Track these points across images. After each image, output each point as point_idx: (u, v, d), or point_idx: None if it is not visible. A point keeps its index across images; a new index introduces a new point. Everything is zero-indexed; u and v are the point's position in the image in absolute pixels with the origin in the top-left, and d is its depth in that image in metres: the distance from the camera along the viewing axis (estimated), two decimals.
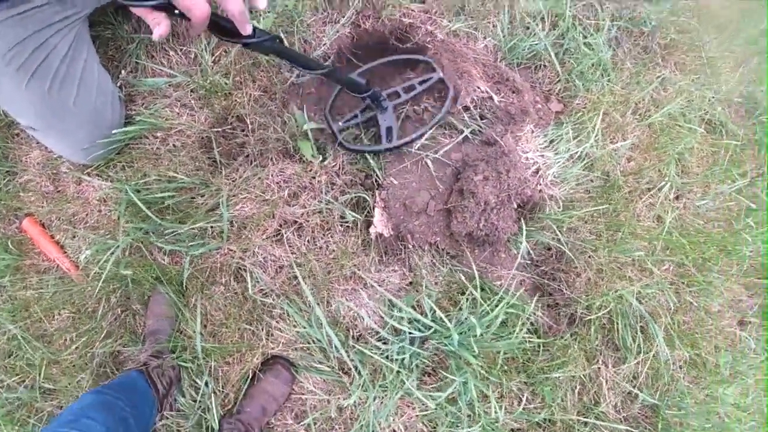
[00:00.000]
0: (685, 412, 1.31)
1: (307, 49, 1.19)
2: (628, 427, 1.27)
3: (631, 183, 1.35)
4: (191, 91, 1.18)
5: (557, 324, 1.26)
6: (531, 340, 1.21)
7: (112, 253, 1.12)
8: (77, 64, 1.00)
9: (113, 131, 1.10)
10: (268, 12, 1.14)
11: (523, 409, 1.20)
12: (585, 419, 1.24)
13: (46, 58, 0.93)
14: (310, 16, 1.18)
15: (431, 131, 1.10)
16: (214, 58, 1.17)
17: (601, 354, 1.29)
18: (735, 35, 1.78)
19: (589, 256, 1.26)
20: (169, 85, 1.20)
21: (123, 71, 1.20)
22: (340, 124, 1.10)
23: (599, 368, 1.29)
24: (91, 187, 1.21)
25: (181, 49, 1.20)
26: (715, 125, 1.59)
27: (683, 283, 1.38)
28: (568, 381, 1.25)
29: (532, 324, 1.22)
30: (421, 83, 1.10)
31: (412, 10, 1.21)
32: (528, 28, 1.28)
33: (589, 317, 1.22)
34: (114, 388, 0.91)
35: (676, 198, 1.45)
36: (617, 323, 1.26)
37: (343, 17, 1.18)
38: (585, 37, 1.33)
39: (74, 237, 1.21)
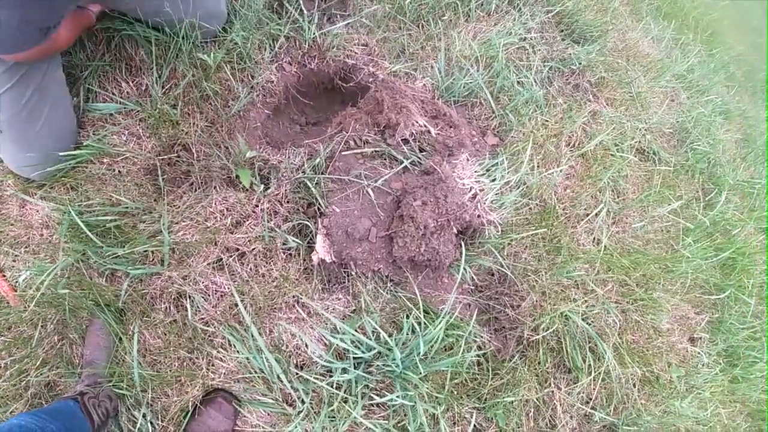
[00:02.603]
0: (644, 428, 1.32)
1: (254, 86, 1.26)
2: None
3: (569, 209, 1.43)
4: (140, 120, 1.22)
5: (505, 347, 1.28)
6: (479, 362, 1.23)
7: (49, 274, 1.10)
8: (55, 80, 1.08)
9: (60, 153, 1.13)
10: (219, 48, 1.22)
11: None
12: None
13: (26, 72, 1.00)
14: (258, 54, 1.26)
15: None
16: (164, 90, 1.22)
17: (552, 377, 1.31)
18: (662, 72, 1.95)
19: (533, 280, 1.30)
20: (119, 113, 1.23)
21: (75, 98, 1.23)
22: None
23: (552, 391, 1.30)
24: (34, 210, 1.21)
25: (133, 80, 1.25)
26: (647, 153, 1.71)
27: (627, 301, 1.43)
28: (521, 405, 1.25)
29: (479, 348, 1.24)
30: None
31: (356, 52, 1.31)
32: (463, 68, 1.39)
33: (535, 338, 1.25)
34: (49, 413, 0.88)
35: (614, 223, 1.53)
36: (565, 344, 1.29)
37: (290, 57, 1.26)
38: (518, 77, 1.45)
39: (15, 260, 1.18)
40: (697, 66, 2.30)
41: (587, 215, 1.43)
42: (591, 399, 1.32)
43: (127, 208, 1.17)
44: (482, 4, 1.54)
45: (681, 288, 1.58)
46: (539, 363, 1.28)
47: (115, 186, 1.18)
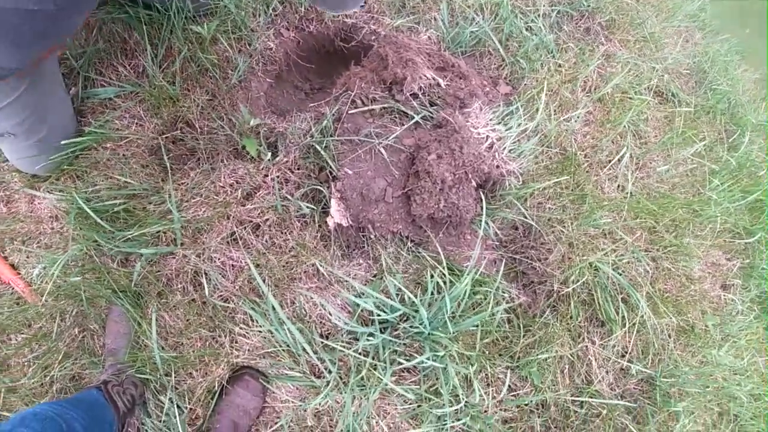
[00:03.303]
0: (681, 380, 1.27)
1: (252, 53, 1.21)
2: (627, 403, 1.23)
3: (590, 156, 1.37)
4: (140, 101, 1.19)
5: (535, 302, 1.23)
6: (509, 320, 1.19)
7: (59, 264, 1.09)
8: (57, 81, 1.04)
9: (62, 142, 1.10)
10: (212, 18, 1.18)
11: (513, 395, 1.16)
12: (580, 399, 1.20)
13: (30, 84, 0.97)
14: (253, 21, 1.21)
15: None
16: (161, 68, 1.19)
17: (586, 331, 1.27)
18: (674, 12, 1.86)
19: (558, 231, 1.25)
20: (118, 97, 1.20)
21: (73, 88, 1.21)
22: None
23: (587, 346, 1.26)
24: (42, 204, 1.20)
25: (129, 63, 1.22)
26: (666, 95, 1.64)
27: (657, 248, 1.37)
28: (555, 362, 1.21)
29: (508, 304, 1.20)
30: None
31: (355, 11, 1.26)
32: (468, 17, 1.33)
33: (566, 291, 1.20)
34: (70, 401, 0.86)
35: (638, 168, 1.46)
36: (597, 296, 1.25)
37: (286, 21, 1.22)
38: (525, 23, 1.38)
39: (28, 257, 1.18)
40: (708, 4, 2.20)
41: (609, 161, 1.36)
42: (627, 352, 1.28)
43: (134, 190, 1.15)
44: None
45: (710, 233, 1.52)
46: (571, 317, 1.23)
47: (120, 170, 1.16)
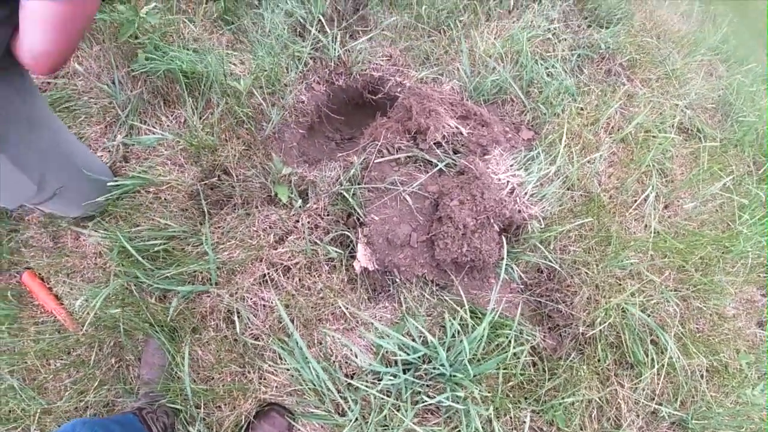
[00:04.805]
0: (715, 422, 1.23)
1: (285, 106, 1.29)
2: None
3: (615, 197, 1.37)
4: (181, 149, 1.28)
5: (560, 345, 1.23)
6: (534, 363, 1.19)
7: (101, 297, 1.15)
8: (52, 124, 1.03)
9: (108, 183, 1.18)
10: (247, 74, 1.27)
11: None
12: None
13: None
14: (286, 76, 1.30)
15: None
16: (201, 119, 1.28)
17: (614, 374, 1.25)
18: (696, 46, 1.86)
19: (584, 273, 1.26)
20: (160, 145, 1.30)
21: (119, 135, 1.31)
22: None
23: (615, 389, 1.24)
24: (87, 241, 1.28)
25: (171, 113, 1.31)
26: (690, 131, 1.63)
27: (687, 287, 1.35)
28: (582, 406, 1.20)
29: (533, 347, 1.20)
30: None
31: (381, 64, 1.33)
32: (489, 67, 1.38)
33: (592, 333, 1.20)
34: (113, 420, 0.92)
35: (665, 207, 1.45)
36: (625, 338, 1.23)
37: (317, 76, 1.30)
38: (546, 68, 1.42)
39: (71, 289, 1.25)
40: (731, 35, 2.18)
41: (635, 201, 1.36)
42: (657, 394, 1.25)
43: (174, 232, 1.23)
44: (501, 2, 1.53)
45: (743, 269, 1.48)
46: (598, 360, 1.22)
47: (161, 212, 1.24)
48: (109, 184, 1.20)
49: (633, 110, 1.51)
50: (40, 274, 1.31)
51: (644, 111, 1.50)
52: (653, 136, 1.51)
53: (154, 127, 1.30)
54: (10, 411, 1.18)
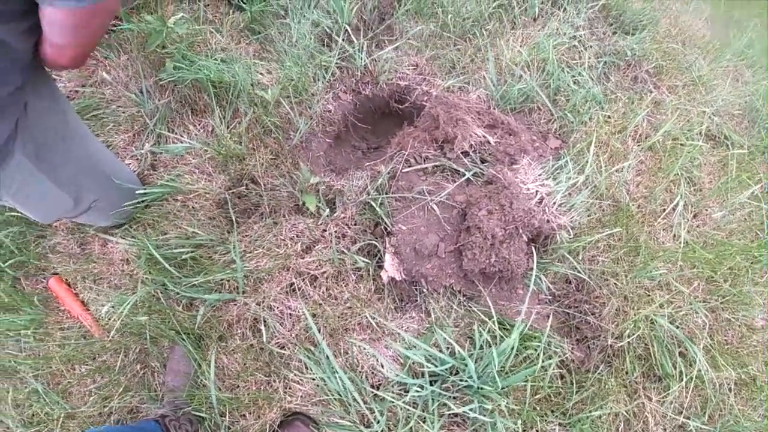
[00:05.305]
0: None
1: (313, 115, 1.30)
2: None
3: (643, 206, 1.36)
4: (209, 158, 1.29)
5: (588, 357, 1.21)
6: (562, 375, 1.18)
7: (128, 304, 1.16)
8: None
9: (137, 191, 1.20)
10: (274, 83, 1.28)
11: None
12: None
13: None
14: (313, 86, 1.30)
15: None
16: (228, 128, 1.29)
17: (642, 386, 1.23)
18: (721, 52, 1.84)
19: (612, 284, 1.24)
20: (188, 153, 1.31)
21: (147, 144, 1.32)
22: None
23: (643, 402, 1.22)
24: (115, 248, 1.29)
25: (199, 122, 1.32)
26: (718, 138, 1.60)
27: (716, 298, 1.33)
28: (610, 419, 1.18)
29: (561, 360, 1.19)
30: None
31: (407, 73, 1.33)
32: (515, 75, 1.37)
33: (620, 345, 1.18)
34: (133, 428, 0.93)
35: (694, 216, 1.43)
36: (653, 350, 1.21)
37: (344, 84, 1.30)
38: (572, 76, 1.41)
39: (98, 294, 1.27)
40: (756, 40, 2.14)
41: (664, 210, 1.34)
42: (684, 408, 1.23)
43: (201, 240, 1.23)
44: (526, 10, 1.52)
45: None
46: (626, 372, 1.20)
47: (189, 220, 1.25)
48: (137, 192, 1.21)
49: (660, 118, 1.49)
50: (66, 279, 1.33)
51: (671, 118, 1.48)
52: (681, 144, 1.49)
53: (181, 136, 1.31)
54: (33, 414, 1.20)
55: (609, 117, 1.38)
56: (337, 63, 1.34)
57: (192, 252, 1.22)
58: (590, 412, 1.14)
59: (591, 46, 1.49)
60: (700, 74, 1.69)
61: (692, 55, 1.73)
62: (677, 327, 1.24)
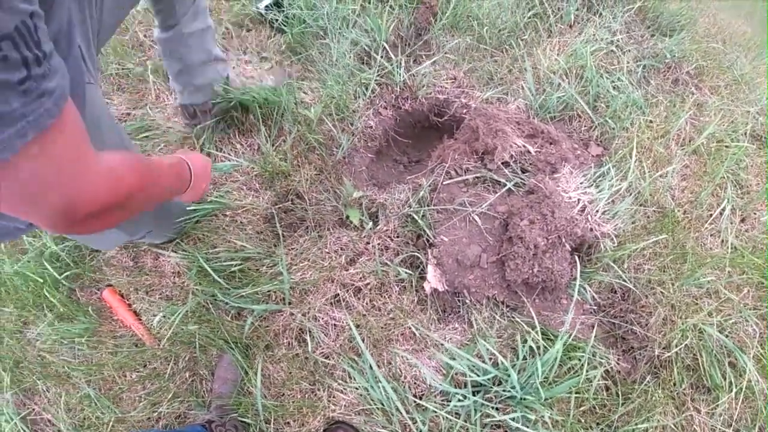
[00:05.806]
0: None
1: (354, 132, 1.33)
2: None
3: (689, 211, 1.33)
4: (256, 175, 1.34)
5: (634, 368, 1.20)
6: (607, 387, 1.16)
7: (180, 314, 1.21)
8: None
9: (187, 208, 1.26)
10: (317, 102, 1.32)
11: None
12: None
13: None
14: (354, 102, 1.34)
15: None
16: (274, 146, 1.33)
17: (690, 398, 1.21)
18: (763, 48, 1.77)
19: (659, 292, 1.22)
20: (236, 171, 1.36)
21: None
22: None
23: (691, 415, 1.20)
24: (166, 261, 1.35)
25: (245, 141, 1.38)
26: (764, 139, 1.55)
27: (766, 306, 1.29)
28: None
29: (607, 371, 1.18)
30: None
31: (446, 87, 1.34)
32: (554, 83, 1.37)
33: (668, 356, 1.16)
34: (181, 431, 0.98)
35: (741, 220, 1.39)
36: (702, 360, 1.19)
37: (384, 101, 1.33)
38: (612, 82, 1.39)
39: (150, 305, 1.33)
40: None
41: (710, 215, 1.31)
42: (734, 420, 1.19)
43: (249, 253, 1.28)
44: (561, 17, 1.51)
45: None
46: (674, 384, 1.18)
47: (237, 234, 1.30)
48: (188, 208, 1.27)
49: (703, 120, 1.45)
50: (120, 291, 1.40)
51: (715, 120, 1.44)
52: (726, 146, 1.45)
53: (229, 155, 1.37)
54: (84, 418, 1.26)
55: (651, 121, 1.36)
56: (376, 80, 1.37)
57: (240, 264, 1.27)
58: (636, 424, 1.13)
59: (629, 51, 1.47)
60: (742, 73, 1.64)
61: (733, 54, 1.68)
62: (726, 336, 1.21)
